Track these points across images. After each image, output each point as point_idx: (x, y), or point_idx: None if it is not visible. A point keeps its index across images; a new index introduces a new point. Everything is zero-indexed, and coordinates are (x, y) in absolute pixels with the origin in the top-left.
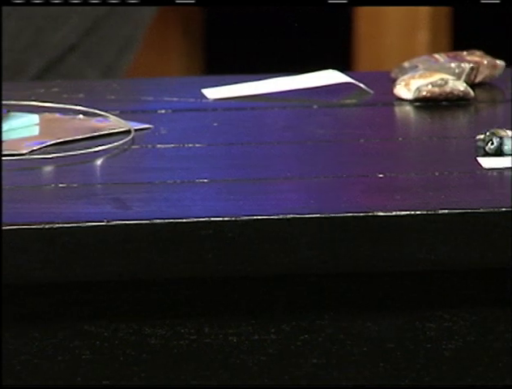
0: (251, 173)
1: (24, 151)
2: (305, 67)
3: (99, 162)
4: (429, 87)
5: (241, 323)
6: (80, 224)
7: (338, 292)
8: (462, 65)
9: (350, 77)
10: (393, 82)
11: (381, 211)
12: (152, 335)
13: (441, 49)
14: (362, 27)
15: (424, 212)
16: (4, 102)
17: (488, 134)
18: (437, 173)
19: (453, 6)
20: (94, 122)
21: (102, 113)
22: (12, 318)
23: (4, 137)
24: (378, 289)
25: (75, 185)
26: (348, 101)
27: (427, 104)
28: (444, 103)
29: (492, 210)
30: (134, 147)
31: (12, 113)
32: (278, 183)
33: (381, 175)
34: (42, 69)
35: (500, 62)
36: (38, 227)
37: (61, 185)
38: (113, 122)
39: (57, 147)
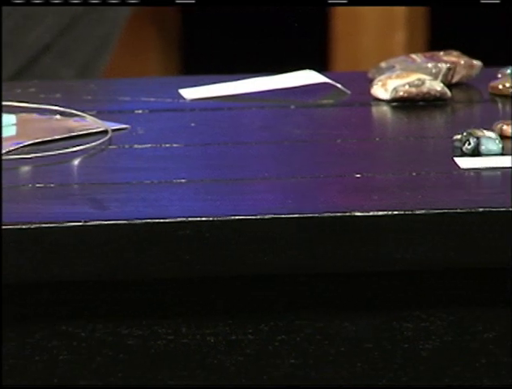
0: (228, 173)
1: (1, 152)
2: (282, 67)
3: (76, 162)
4: (406, 87)
5: (218, 323)
6: (57, 225)
7: (315, 293)
8: (439, 65)
9: (327, 77)
10: (370, 82)
11: (359, 211)
12: (130, 336)
13: (418, 50)
14: (339, 27)
15: (402, 212)
16: None
17: (465, 134)
18: (414, 173)
19: (430, 6)
20: (71, 122)
21: (79, 113)
22: None
23: None
24: (356, 289)
25: (52, 185)
26: (325, 101)
27: (404, 104)
28: (421, 103)
29: (469, 210)
30: (111, 147)
31: None
32: (255, 183)
33: (358, 175)
34: (17, 69)
35: (477, 62)
36: (15, 227)
37: (38, 185)
38: (90, 122)
39: (34, 147)
